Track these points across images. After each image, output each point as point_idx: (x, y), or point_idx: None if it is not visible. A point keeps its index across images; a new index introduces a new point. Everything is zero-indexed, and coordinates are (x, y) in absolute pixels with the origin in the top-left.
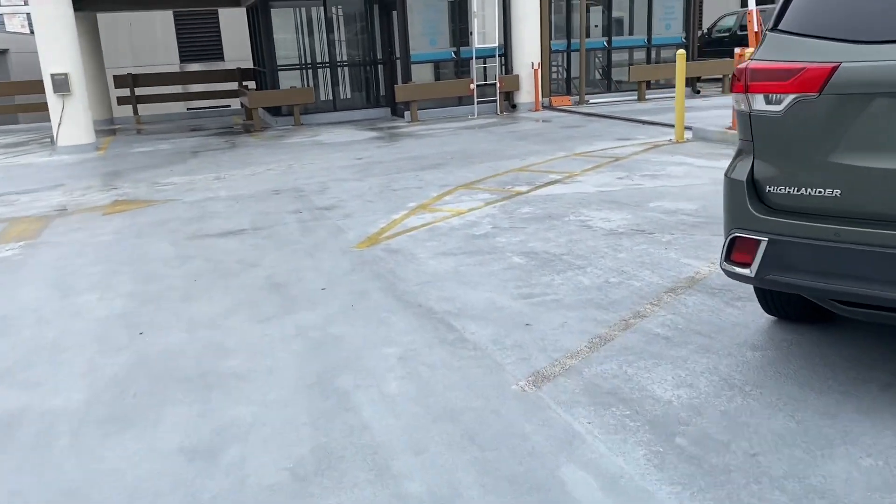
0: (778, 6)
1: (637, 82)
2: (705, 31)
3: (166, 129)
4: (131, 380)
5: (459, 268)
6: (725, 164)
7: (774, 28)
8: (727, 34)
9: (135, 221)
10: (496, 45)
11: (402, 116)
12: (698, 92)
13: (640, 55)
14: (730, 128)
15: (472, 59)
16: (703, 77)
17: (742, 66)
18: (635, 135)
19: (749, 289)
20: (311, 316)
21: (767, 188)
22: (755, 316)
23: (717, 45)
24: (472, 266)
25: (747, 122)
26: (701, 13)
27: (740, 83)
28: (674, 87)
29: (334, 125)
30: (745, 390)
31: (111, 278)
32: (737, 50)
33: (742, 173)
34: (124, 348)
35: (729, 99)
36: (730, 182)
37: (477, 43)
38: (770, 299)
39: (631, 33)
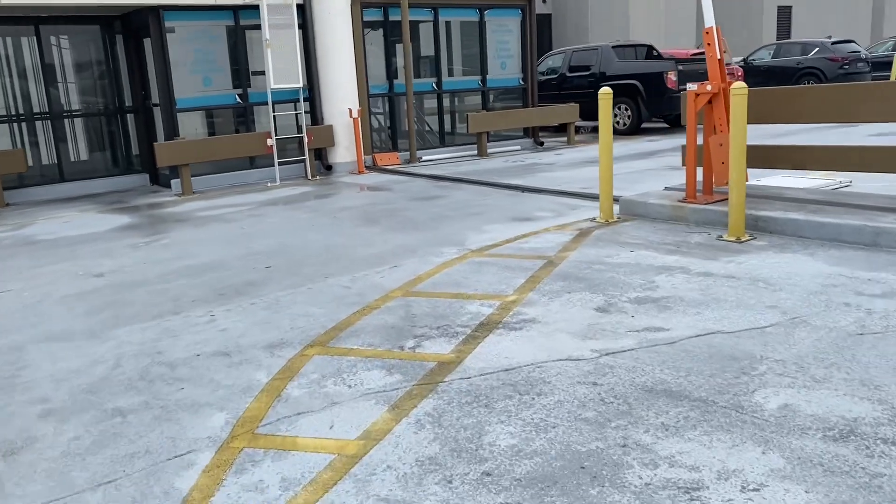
0: None
1: (476, 134)
2: None
3: None
4: None
5: None
6: (741, 267)
7: None
8: (554, 76)
9: None
10: (299, 85)
11: (169, 186)
12: (542, 144)
13: (473, 100)
14: (684, 199)
15: (267, 104)
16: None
17: None
18: (531, 210)
19: None
20: None
21: None
22: None
23: (542, 89)
24: None
25: None
26: None
27: None
28: (514, 139)
29: (61, 204)
30: None
31: None
32: (691, 86)
33: None
34: None
35: (592, 152)
36: None
37: (273, 83)
38: None
39: (450, 74)
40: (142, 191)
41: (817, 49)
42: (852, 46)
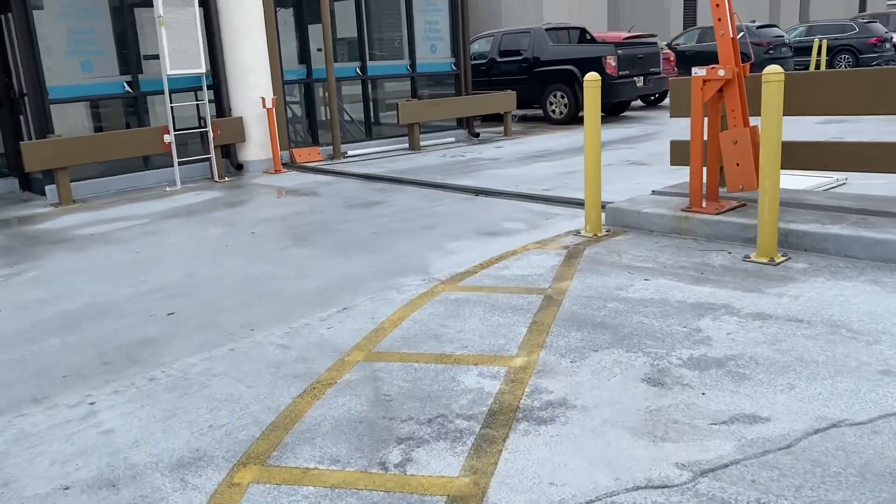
0: None
1: (408, 125)
2: None
3: None
4: None
5: None
6: (800, 303)
7: None
8: (483, 61)
9: None
10: (202, 71)
11: (43, 193)
12: (477, 135)
13: (400, 87)
14: (688, 208)
15: (163, 93)
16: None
17: None
18: (498, 221)
19: None
20: None
21: None
22: None
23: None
24: None
25: None
26: None
27: None
28: (447, 129)
29: None
30: None
31: None
32: (698, 71)
33: None
34: None
35: (534, 144)
36: None
37: (169, 68)
38: None
39: (375, 58)
40: (9, 199)
41: (742, 34)
42: (776, 31)
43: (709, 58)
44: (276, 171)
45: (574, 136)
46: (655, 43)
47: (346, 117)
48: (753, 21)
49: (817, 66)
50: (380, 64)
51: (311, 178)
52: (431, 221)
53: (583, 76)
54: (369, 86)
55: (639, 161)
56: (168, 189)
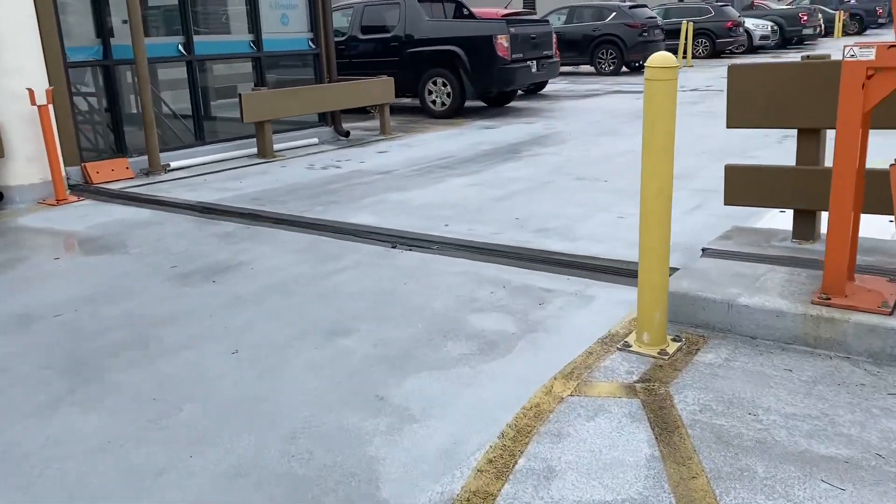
0: None
1: (256, 124)
2: None
3: None
4: None
5: None
6: None
7: None
8: (341, 38)
9: None
10: None
11: None
12: (347, 135)
13: (241, 70)
14: (824, 296)
15: None
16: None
17: None
18: (456, 309)
19: None
20: None
21: None
22: None
23: None
24: None
25: None
26: None
27: None
28: (306, 127)
29: None
30: None
31: None
32: (860, 52)
33: None
34: None
35: (426, 148)
36: None
37: None
38: None
39: (205, 32)
40: None
41: (614, 14)
42: (647, 12)
43: (576, 40)
44: (60, 202)
45: (470, 135)
46: (548, 22)
47: (168, 112)
48: (625, 0)
49: (685, 51)
50: (212, 39)
51: (117, 215)
52: (339, 317)
53: (469, 58)
54: (198, 69)
55: (584, 175)
56: None
